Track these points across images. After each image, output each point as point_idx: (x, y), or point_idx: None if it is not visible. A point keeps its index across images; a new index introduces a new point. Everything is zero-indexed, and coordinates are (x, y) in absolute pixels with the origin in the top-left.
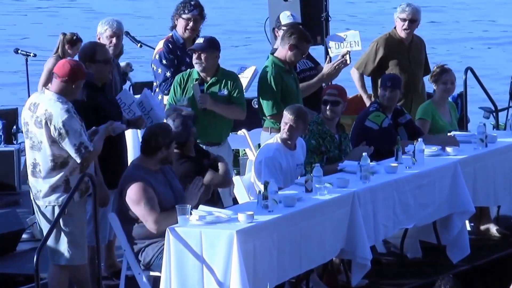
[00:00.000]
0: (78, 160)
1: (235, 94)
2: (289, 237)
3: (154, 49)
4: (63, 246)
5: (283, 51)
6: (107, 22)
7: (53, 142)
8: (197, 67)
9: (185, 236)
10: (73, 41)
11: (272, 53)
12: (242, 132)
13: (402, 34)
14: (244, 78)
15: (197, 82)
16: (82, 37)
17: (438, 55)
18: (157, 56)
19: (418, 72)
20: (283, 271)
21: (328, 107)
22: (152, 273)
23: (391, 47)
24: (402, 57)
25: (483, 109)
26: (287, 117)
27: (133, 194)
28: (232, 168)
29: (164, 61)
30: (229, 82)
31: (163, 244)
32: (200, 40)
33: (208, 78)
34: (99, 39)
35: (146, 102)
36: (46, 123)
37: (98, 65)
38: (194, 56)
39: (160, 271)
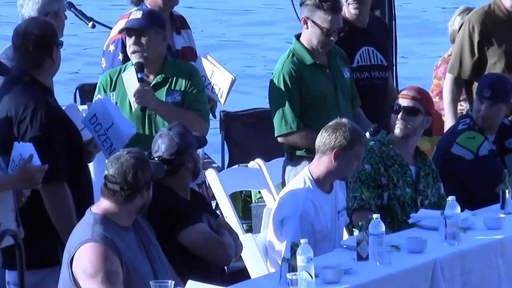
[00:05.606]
0: None
1: (190, 93)
2: None
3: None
4: None
5: (307, 33)
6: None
7: None
8: (134, 58)
9: None
10: None
11: (298, 37)
12: (256, 163)
13: (507, 4)
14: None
15: (134, 66)
16: None
17: None
18: (111, 47)
19: None
20: None
21: (399, 117)
22: None
23: (492, 26)
24: (510, 42)
25: None
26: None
27: (87, 263)
28: (241, 223)
29: (121, 55)
30: (183, 79)
31: None
32: (137, 15)
33: (152, 77)
34: None
35: (103, 115)
36: None
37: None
38: (129, 41)
39: None
